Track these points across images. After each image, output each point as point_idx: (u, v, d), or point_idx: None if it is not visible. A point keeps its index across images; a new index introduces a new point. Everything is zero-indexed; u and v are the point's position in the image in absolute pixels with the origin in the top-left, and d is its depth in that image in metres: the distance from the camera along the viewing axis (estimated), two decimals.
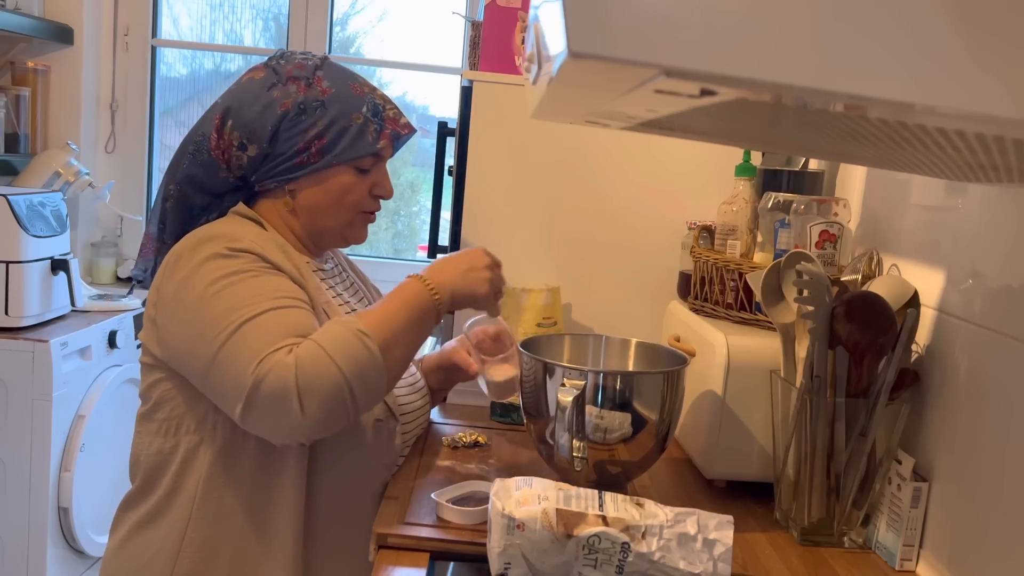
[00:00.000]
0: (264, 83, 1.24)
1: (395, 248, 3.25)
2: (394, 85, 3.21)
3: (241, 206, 1.28)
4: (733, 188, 1.53)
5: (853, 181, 1.51)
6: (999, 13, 0.47)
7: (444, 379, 1.48)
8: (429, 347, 1.80)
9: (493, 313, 1.28)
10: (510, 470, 1.34)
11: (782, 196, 1.44)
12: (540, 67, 0.71)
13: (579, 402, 1.17)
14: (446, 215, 1.87)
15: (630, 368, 1.38)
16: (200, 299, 1.12)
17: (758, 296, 1.28)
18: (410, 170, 3.29)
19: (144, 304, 1.26)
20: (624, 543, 0.97)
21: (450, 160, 1.83)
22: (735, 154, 1.57)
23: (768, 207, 1.45)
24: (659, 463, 1.31)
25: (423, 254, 3.14)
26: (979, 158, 0.63)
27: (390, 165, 1.34)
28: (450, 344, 1.48)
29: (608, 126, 0.93)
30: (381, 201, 1.33)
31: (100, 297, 2.65)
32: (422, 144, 3.23)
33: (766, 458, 1.32)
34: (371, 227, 1.37)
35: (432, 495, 1.17)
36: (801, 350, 1.23)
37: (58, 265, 2.36)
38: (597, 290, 1.75)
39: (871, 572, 1.16)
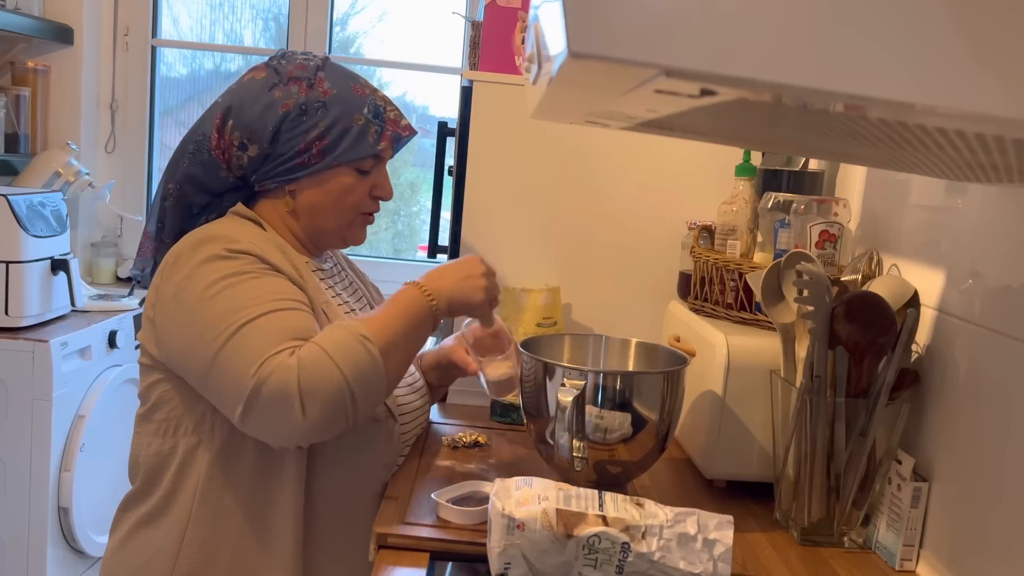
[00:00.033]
0: (265, 83, 1.24)
1: (395, 248, 3.25)
2: (394, 85, 3.21)
3: (240, 206, 1.28)
4: (733, 188, 1.53)
5: (853, 181, 1.51)
6: (999, 13, 0.47)
7: (443, 376, 1.48)
8: (429, 344, 1.80)
9: (487, 322, 1.30)
10: (510, 470, 1.34)
11: (782, 196, 1.44)
12: (540, 67, 0.71)
13: (579, 402, 1.17)
14: (446, 215, 1.87)
15: (630, 368, 1.38)
16: (199, 300, 1.12)
17: (758, 296, 1.28)
18: (410, 170, 3.29)
19: (142, 304, 1.26)
20: (624, 543, 0.97)
21: (450, 160, 1.83)
22: (735, 154, 1.57)
23: (768, 207, 1.45)
24: (659, 463, 1.32)
25: (423, 254, 3.14)
26: (979, 158, 0.63)
27: (390, 165, 1.34)
28: (448, 341, 1.48)
29: (608, 126, 0.93)
30: (381, 202, 1.33)
31: (100, 297, 2.65)
32: (422, 144, 3.23)
33: (766, 458, 1.32)
34: (371, 227, 1.37)
35: (432, 495, 1.17)
36: (801, 350, 1.23)
37: (58, 265, 2.36)
38: (597, 290, 1.75)
39: (871, 572, 1.16)
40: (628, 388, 1.20)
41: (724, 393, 1.32)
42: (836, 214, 1.39)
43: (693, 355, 1.35)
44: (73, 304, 2.43)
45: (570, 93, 0.69)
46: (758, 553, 1.16)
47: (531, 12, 0.81)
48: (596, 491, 1.03)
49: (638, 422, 1.20)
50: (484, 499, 1.18)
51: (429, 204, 2.20)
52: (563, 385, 1.17)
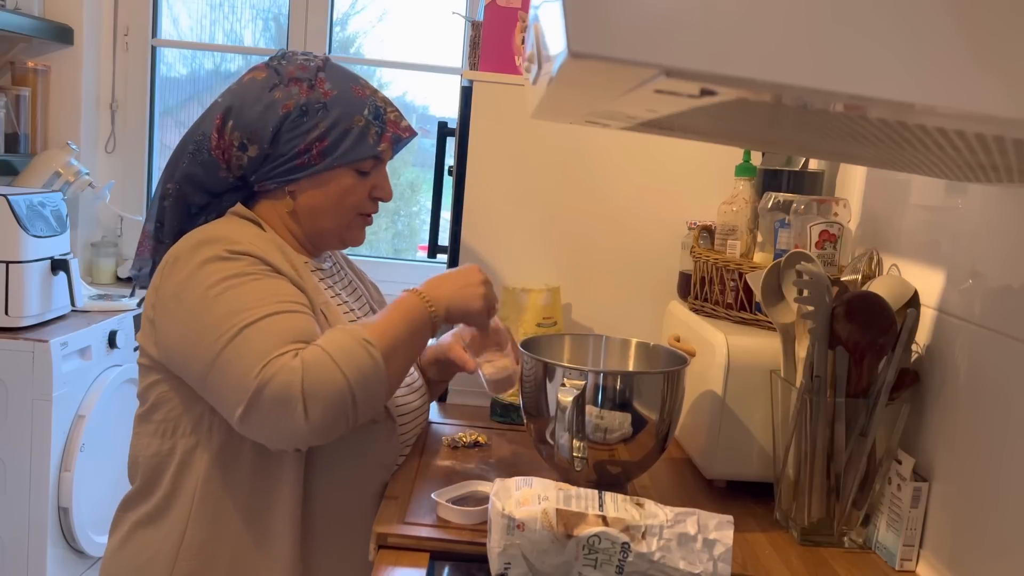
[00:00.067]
0: (266, 84, 1.24)
1: (395, 248, 3.25)
2: (394, 85, 3.21)
3: (240, 207, 1.28)
4: (733, 188, 1.53)
5: (853, 181, 1.51)
6: (999, 13, 0.47)
7: (442, 371, 1.48)
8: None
9: (484, 329, 1.30)
10: (510, 470, 1.34)
11: (782, 196, 1.44)
12: (540, 67, 0.71)
13: (579, 402, 1.17)
14: (446, 215, 1.87)
15: (630, 368, 1.38)
16: (200, 301, 1.12)
17: (758, 296, 1.28)
18: (410, 170, 3.29)
19: (141, 305, 1.26)
20: (624, 543, 0.97)
21: (450, 160, 1.83)
22: (735, 154, 1.57)
23: (768, 207, 1.45)
24: (659, 463, 1.31)
25: (423, 254, 3.14)
26: (979, 158, 0.63)
27: (390, 165, 1.34)
28: (447, 338, 1.48)
29: (608, 126, 0.93)
30: (380, 203, 1.33)
31: (100, 297, 2.65)
32: (422, 144, 3.23)
33: (766, 458, 1.32)
34: (371, 228, 1.37)
35: (432, 495, 1.17)
36: (801, 350, 1.23)
37: (58, 265, 2.36)
38: (597, 290, 1.75)
39: (871, 572, 1.16)
40: (628, 388, 1.20)
41: (724, 393, 1.32)
42: (836, 214, 1.39)
43: (693, 355, 1.35)
44: (73, 304, 2.43)
45: (570, 93, 0.69)
46: (758, 553, 1.16)
47: (531, 12, 0.81)
48: (596, 491, 1.03)
49: (638, 422, 1.20)
50: (484, 499, 1.18)
51: (429, 204, 2.20)
52: (563, 385, 1.17)
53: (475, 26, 1.77)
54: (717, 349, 1.33)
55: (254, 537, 1.19)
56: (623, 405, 1.20)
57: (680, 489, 1.35)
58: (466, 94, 1.70)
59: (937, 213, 1.23)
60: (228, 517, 1.19)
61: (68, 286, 2.39)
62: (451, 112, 2.90)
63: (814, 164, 1.59)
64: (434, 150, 1.93)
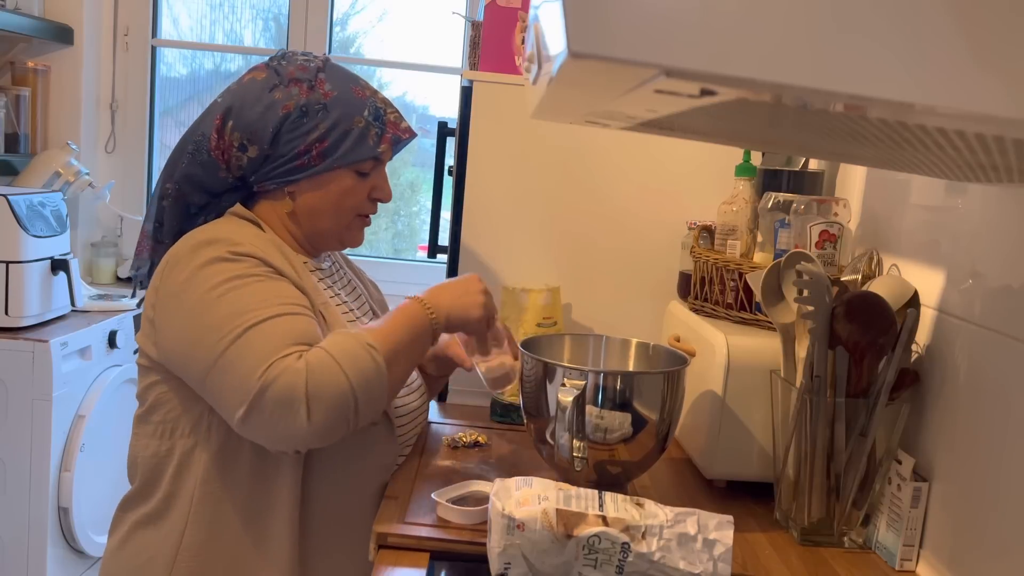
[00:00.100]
0: (266, 84, 1.24)
1: (395, 248, 3.25)
2: (394, 85, 3.21)
3: (239, 207, 1.28)
4: (733, 188, 1.53)
5: (853, 181, 1.51)
6: (999, 13, 0.47)
7: (442, 367, 1.48)
8: None
9: (482, 339, 1.30)
10: (510, 470, 1.34)
11: (782, 196, 1.44)
12: (540, 67, 0.71)
13: (579, 402, 1.17)
14: (446, 215, 1.87)
15: (630, 368, 1.38)
16: (202, 302, 1.12)
17: (758, 296, 1.28)
18: (410, 170, 3.29)
19: (140, 305, 1.26)
20: (624, 543, 0.97)
21: (450, 160, 1.83)
22: (735, 154, 1.57)
23: (768, 207, 1.45)
24: (659, 463, 1.32)
25: (423, 254, 3.14)
26: (979, 158, 0.63)
27: (389, 165, 1.34)
28: (445, 335, 1.48)
29: (608, 126, 0.93)
30: (379, 204, 1.33)
31: (100, 297, 2.65)
32: (422, 144, 3.23)
33: (766, 458, 1.32)
34: (371, 227, 1.37)
35: (432, 495, 1.17)
36: (801, 350, 1.23)
37: (58, 265, 2.36)
38: (597, 290, 1.75)
39: (871, 572, 1.16)
40: (628, 388, 1.20)
41: (724, 393, 1.32)
42: (836, 214, 1.39)
43: (693, 355, 1.35)
44: (73, 304, 2.43)
45: (570, 93, 0.69)
46: (758, 553, 1.16)
47: (531, 12, 0.81)
48: (596, 491, 1.03)
49: (638, 422, 1.20)
50: (484, 499, 1.18)
51: (429, 204, 2.20)
52: (563, 385, 1.17)
53: (475, 26, 1.77)
54: (717, 349, 1.33)
55: (253, 538, 1.19)
56: (623, 405, 1.20)
57: (680, 489, 1.35)
58: (466, 94, 1.70)
59: (937, 213, 1.23)
60: (227, 518, 1.19)
61: (68, 286, 2.39)
62: (451, 112, 2.90)
63: (814, 164, 1.59)
64: (434, 150, 1.93)
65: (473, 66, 1.74)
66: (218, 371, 1.09)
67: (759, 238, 1.47)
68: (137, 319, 1.28)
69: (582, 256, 1.74)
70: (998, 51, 0.47)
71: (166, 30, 3.09)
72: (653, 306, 1.72)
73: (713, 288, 1.48)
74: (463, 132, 1.71)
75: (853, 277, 1.31)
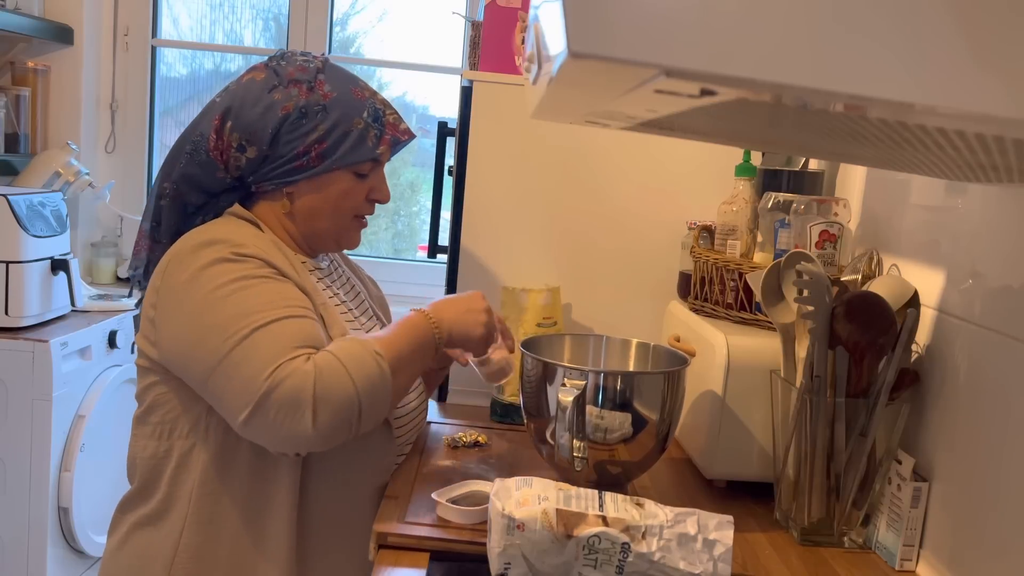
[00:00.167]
0: (265, 85, 1.24)
1: (395, 248, 3.25)
2: (394, 85, 3.21)
3: (237, 207, 1.28)
4: (733, 188, 1.53)
5: (853, 181, 1.51)
6: (999, 13, 0.47)
7: (440, 358, 1.48)
8: None
9: (479, 355, 1.30)
10: (510, 470, 1.34)
11: (782, 196, 1.44)
12: (540, 67, 0.71)
13: (579, 402, 1.17)
14: (446, 215, 1.87)
15: (630, 368, 1.38)
16: (206, 302, 1.12)
17: (758, 296, 1.28)
18: (410, 170, 3.29)
19: (139, 306, 1.26)
20: (624, 543, 0.97)
21: (450, 160, 1.83)
22: (735, 154, 1.57)
23: (768, 207, 1.45)
24: (659, 463, 1.31)
25: (423, 254, 3.13)
26: (979, 158, 0.63)
27: (389, 165, 1.34)
28: None
29: (608, 126, 0.93)
30: (377, 204, 1.33)
31: (100, 297, 2.65)
32: (422, 144, 3.23)
33: (766, 458, 1.32)
34: (371, 227, 1.37)
35: (432, 495, 1.17)
36: (801, 350, 1.23)
37: (58, 265, 2.36)
38: (597, 290, 1.75)
39: (871, 572, 1.16)
40: (628, 388, 1.20)
41: (724, 393, 1.32)
42: (836, 214, 1.39)
43: (693, 355, 1.35)
44: (73, 304, 2.43)
45: (570, 93, 0.69)
46: (758, 553, 1.16)
47: (531, 12, 0.81)
48: (596, 491, 1.03)
49: (638, 422, 1.20)
50: (484, 499, 1.18)
51: (429, 204, 2.20)
52: (563, 385, 1.17)
53: (475, 26, 1.77)
54: (717, 349, 1.33)
55: (252, 538, 1.19)
56: (623, 405, 1.20)
57: (680, 489, 1.35)
58: (466, 94, 1.70)
59: (937, 213, 1.23)
60: (225, 519, 1.19)
61: (68, 286, 2.39)
62: (451, 112, 2.90)
63: (814, 164, 1.59)
64: (434, 150, 1.93)
65: (473, 66, 1.74)
66: (222, 372, 1.09)
67: (759, 238, 1.47)
68: (137, 319, 1.28)
69: (582, 256, 1.74)
70: (998, 51, 0.47)
71: (166, 30, 3.09)
72: (653, 306, 1.72)
73: (713, 288, 1.48)
74: (463, 132, 1.71)
75: (853, 277, 1.31)
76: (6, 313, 2.23)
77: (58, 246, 2.39)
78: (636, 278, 1.74)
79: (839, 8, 0.47)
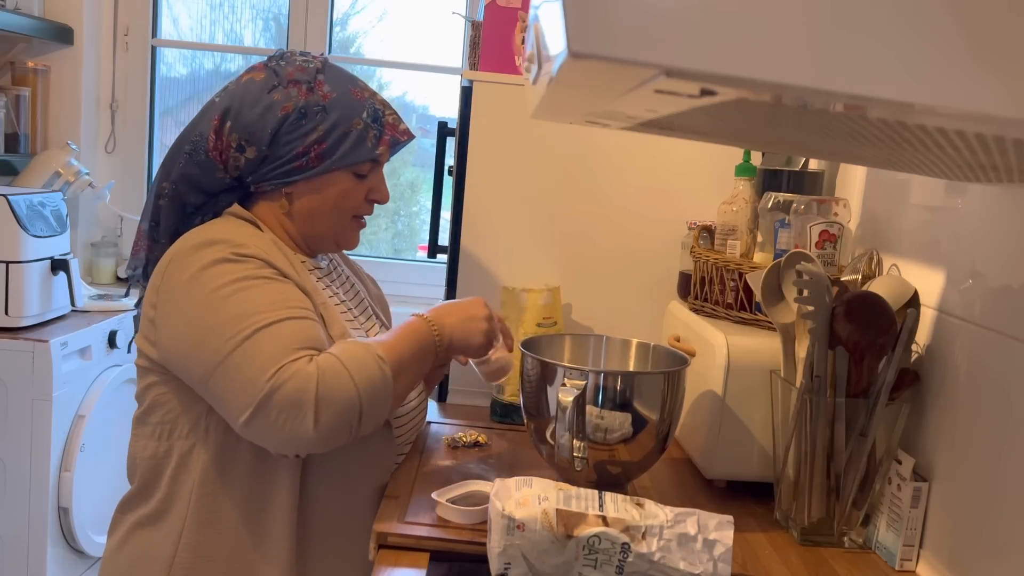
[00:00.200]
0: (265, 85, 1.24)
1: (395, 248, 3.25)
2: (394, 85, 3.21)
3: (237, 207, 1.28)
4: (733, 188, 1.53)
5: (853, 181, 1.51)
6: (999, 13, 0.47)
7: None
8: None
9: (481, 361, 1.30)
10: (510, 470, 1.34)
11: (782, 196, 1.44)
12: (540, 67, 0.71)
13: (579, 402, 1.17)
14: (446, 215, 1.87)
15: (630, 368, 1.38)
16: (207, 302, 1.12)
17: (758, 296, 1.28)
18: (410, 170, 3.29)
19: (138, 306, 1.26)
20: (624, 543, 0.97)
21: (450, 160, 1.83)
22: (735, 154, 1.57)
23: (768, 207, 1.45)
24: (659, 463, 1.31)
25: (423, 254, 3.13)
26: (979, 158, 0.63)
27: (389, 165, 1.34)
28: None
29: (608, 126, 0.93)
30: (376, 205, 1.33)
31: (100, 297, 2.65)
32: (422, 144, 3.23)
33: (766, 458, 1.32)
34: (371, 227, 1.37)
35: (432, 495, 1.17)
36: (801, 350, 1.23)
37: (58, 265, 2.36)
38: (597, 290, 1.75)
39: (871, 572, 1.16)
40: (628, 388, 1.20)
41: (724, 393, 1.32)
42: (836, 214, 1.39)
43: (693, 355, 1.35)
44: (73, 304, 2.43)
45: (570, 93, 0.69)
46: (758, 553, 1.16)
47: (531, 12, 0.81)
48: (596, 491, 1.03)
49: (638, 422, 1.20)
50: (484, 499, 1.18)
51: (429, 204, 2.20)
52: (563, 385, 1.17)
53: (475, 26, 1.77)
54: (717, 349, 1.33)
55: (251, 539, 1.19)
56: (623, 405, 1.20)
57: (680, 489, 1.35)
58: (466, 94, 1.70)
59: (937, 213, 1.23)
60: (225, 519, 1.19)
61: (68, 286, 2.39)
62: (451, 112, 2.90)
63: (814, 164, 1.59)
64: (434, 150, 1.93)
65: (473, 66, 1.74)
66: (223, 372, 1.09)
67: (759, 238, 1.47)
68: (136, 319, 1.28)
69: (582, 256, 1.74)
70: (998, 51, 0.47)
71: (166, 30, 3.09)
72: (653, 306, 1.72)
73: (713, 288, 1.48)
74: (463, 132, 1.71)
75: (853, 277, 1.31)
76: (6, 313, 2.23)
77: (58, 246, 2.39)
78: (636, 278, 1.74)
79: (839, 8, 0.47)
